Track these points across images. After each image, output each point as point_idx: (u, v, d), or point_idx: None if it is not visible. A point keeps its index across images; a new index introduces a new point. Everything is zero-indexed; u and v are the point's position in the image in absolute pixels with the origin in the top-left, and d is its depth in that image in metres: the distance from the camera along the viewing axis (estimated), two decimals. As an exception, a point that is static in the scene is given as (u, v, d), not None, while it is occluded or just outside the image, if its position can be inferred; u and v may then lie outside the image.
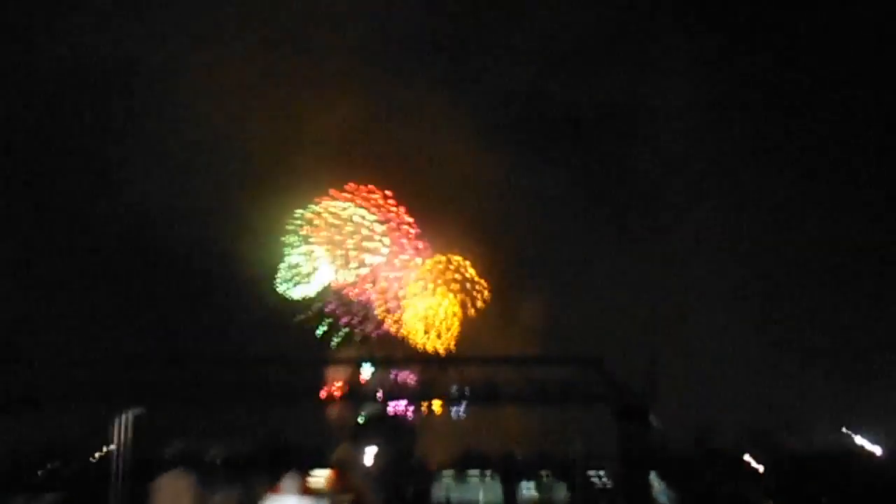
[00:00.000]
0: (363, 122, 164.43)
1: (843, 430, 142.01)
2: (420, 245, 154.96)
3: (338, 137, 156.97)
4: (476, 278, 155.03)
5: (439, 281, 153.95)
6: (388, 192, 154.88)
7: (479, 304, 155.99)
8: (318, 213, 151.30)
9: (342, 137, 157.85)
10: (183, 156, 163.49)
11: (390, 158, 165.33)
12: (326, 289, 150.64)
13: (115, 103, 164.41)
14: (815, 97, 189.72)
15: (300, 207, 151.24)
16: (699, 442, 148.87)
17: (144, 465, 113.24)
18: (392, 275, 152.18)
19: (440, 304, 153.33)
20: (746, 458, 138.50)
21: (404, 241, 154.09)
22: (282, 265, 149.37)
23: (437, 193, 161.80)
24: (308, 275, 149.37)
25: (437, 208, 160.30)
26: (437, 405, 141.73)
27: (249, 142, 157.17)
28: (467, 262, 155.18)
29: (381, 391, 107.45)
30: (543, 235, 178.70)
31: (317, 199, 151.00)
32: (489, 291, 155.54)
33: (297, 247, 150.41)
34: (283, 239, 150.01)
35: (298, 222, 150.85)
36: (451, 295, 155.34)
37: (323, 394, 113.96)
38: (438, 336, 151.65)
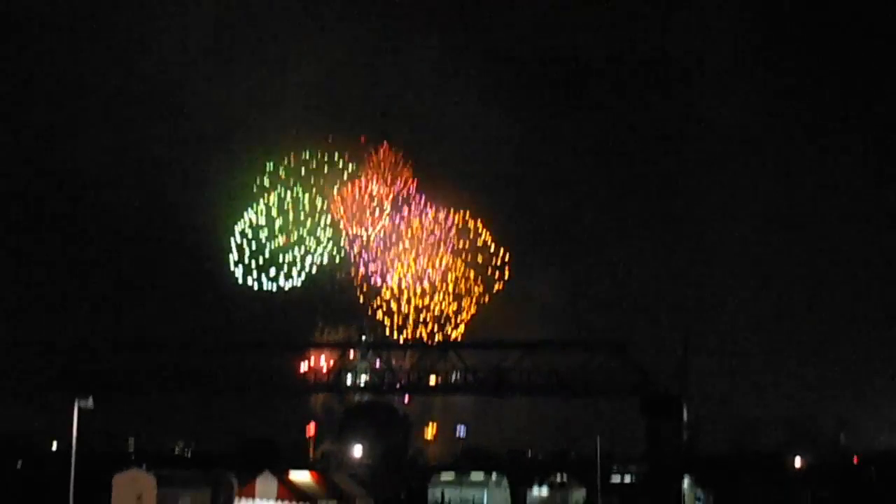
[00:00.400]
0: (353, 68, 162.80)
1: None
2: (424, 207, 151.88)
3: (324, 85, 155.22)
4: (489, 243, 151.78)
5: (443, 248, 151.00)
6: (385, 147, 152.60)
7: (497, 285, 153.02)
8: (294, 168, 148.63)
9: (328, 85, 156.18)
10: (138, 104, 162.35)
11: (384, 108, 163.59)
12: (311, 275, 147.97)
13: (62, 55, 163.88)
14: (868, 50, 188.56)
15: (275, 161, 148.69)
16: (737, 440, 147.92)
17: (104, 461, 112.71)
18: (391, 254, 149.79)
19: (440, 289, 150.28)
20: (791, 458, 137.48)
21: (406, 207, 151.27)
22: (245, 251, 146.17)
23: (441, 150, 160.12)
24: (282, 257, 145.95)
25: (441, 168, 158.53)
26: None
27: (222, 89, 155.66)
28: (479, 223, 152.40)
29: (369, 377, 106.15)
30: (561, 201, 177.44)
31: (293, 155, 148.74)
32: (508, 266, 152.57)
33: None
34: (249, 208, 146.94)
35: (266, 185, 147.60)
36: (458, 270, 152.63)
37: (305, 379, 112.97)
38: (439, 328, 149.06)
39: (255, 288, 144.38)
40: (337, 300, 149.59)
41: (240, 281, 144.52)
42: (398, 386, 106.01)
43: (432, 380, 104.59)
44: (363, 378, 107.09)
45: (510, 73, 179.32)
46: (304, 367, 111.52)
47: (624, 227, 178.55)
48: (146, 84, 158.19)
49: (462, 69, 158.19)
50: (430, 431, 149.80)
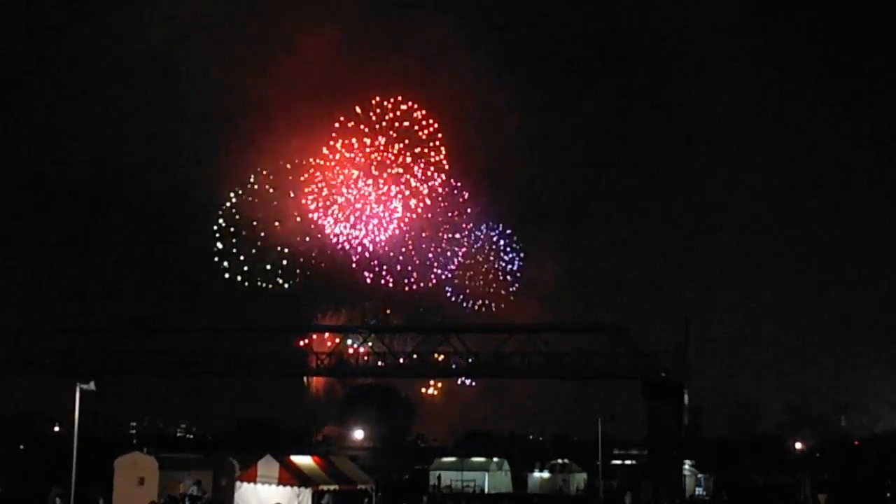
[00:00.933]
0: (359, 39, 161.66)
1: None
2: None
3: (320, 64, 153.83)
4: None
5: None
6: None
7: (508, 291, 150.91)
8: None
9: (324, 64, 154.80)
10: (138, 90, 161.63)
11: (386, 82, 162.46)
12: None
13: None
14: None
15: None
16: (738, 424, 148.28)
17: (106, 443, 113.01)
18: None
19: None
20: (792, 442, 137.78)
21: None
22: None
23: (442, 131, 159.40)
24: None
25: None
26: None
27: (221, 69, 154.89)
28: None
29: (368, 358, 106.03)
30: (562, 180, 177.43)
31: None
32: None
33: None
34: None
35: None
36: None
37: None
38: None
39: (247, 285, 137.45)
40: (339, 283, 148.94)
41: (226, 276, 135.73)
42: (400, 365, 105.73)
43: (434, 363, 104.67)
44: (364, 361, 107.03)
45: (511, 50, 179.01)
46: (304, 349, 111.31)
47: (626, 212, 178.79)
48: (139, 57, 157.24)
49: (466, 44, 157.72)
50: (433, 387, 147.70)
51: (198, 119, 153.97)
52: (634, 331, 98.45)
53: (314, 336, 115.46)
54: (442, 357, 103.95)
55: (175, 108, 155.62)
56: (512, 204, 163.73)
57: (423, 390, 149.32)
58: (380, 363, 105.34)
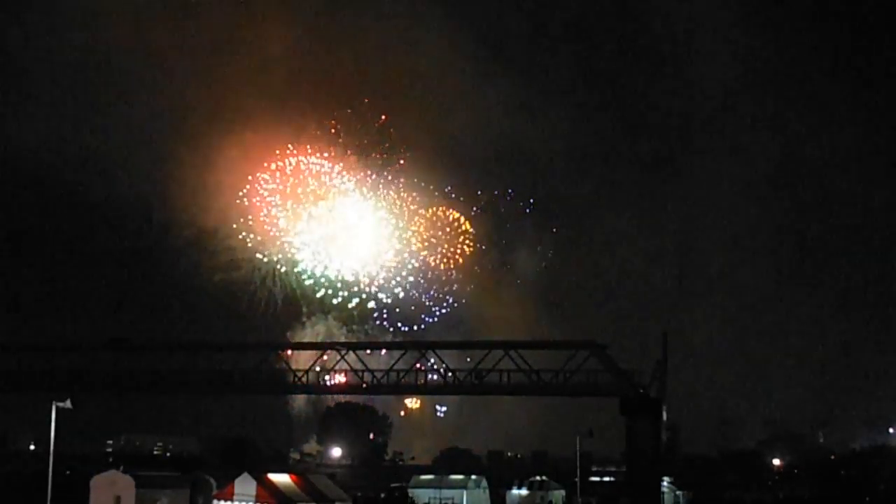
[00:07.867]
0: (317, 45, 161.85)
1: (891, 430, 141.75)
2: None
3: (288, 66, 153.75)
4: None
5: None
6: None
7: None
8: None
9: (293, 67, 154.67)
10: (99, 92, 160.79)
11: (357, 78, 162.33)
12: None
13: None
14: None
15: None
16: (716, 440, 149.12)
17: (82, 461, 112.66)
18: None
19: None
20: (770, 458, 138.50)
21: None
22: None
23: (417, 122, 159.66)
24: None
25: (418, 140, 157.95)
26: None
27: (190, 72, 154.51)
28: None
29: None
30: (540, 184, 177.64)
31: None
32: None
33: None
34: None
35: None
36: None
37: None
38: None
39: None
40: (316, 299, 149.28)
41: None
42: (378, 386, 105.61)
43: (412, 380, 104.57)
44: (342, 378, 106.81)
45: (492, 43, 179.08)
46: (283, 367, 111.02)
47: (605, 229, 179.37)
48: (112, 72, 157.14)
49: (442, 39, 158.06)
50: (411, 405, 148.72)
51: (172, 137, 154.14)
52: (613, 347, 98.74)
53: (291, 359, 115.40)
54: (419, 374, 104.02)
55: (152, 126, 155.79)
56: (491, 219, 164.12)
57: (406, 403, 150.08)
58: (362, 383, 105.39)
